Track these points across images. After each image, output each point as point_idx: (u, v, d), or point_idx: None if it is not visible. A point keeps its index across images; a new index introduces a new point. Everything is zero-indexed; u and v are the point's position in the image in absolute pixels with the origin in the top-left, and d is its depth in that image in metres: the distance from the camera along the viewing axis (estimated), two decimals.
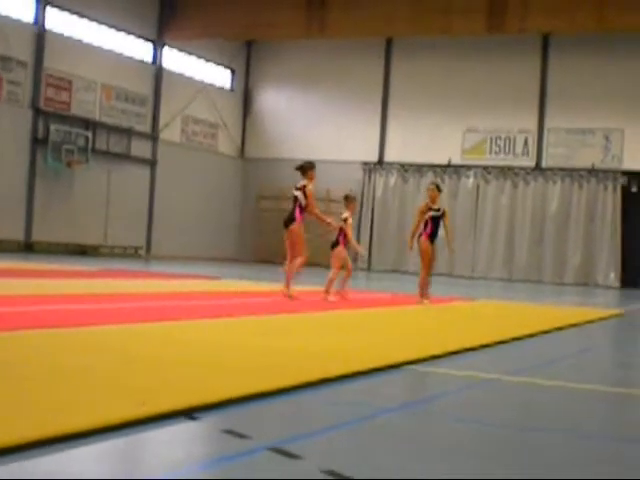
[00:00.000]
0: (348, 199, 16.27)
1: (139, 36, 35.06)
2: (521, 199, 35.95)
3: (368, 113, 38.32)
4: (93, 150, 32.21)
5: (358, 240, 37.96)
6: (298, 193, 14.86)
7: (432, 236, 15.48)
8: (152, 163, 35.64)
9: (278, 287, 15.95)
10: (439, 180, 34.43)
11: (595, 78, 34.88)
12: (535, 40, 35.48)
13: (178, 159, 36.81)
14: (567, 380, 7.33)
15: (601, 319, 14.66)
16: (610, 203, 34.76)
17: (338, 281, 15.29)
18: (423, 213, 15.48)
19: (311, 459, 4.07)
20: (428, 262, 15.56)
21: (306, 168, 15.09)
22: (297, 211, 14.68)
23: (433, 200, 15.62)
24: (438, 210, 15.53)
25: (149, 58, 35.70)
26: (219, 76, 39.74)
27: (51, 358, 6.35)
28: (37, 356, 6.44)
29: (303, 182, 14.95)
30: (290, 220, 14.74)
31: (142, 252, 35.17)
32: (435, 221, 15.48)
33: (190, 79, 37.78)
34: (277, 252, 39.47)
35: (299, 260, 14.79)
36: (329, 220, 15.76)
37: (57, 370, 5.82)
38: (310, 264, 19.01)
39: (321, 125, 39.03)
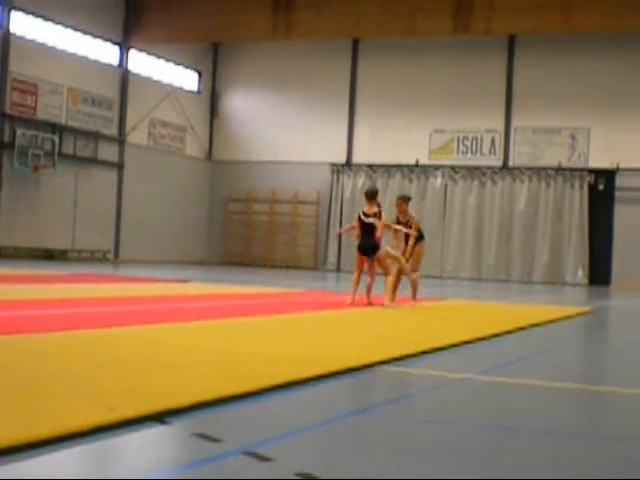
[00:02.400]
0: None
1: (105, 39, 34.91)
2: (489, 198, 36.12)
3: (335, 114, 38.37)
4: (60, 154, 32.03)
5: (327, 241, 38.04)
6: (372, 220, 14.60)
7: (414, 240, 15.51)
8: (119, 166, 35.50)
9: (249, 290, 15.92)
10: (406, 184, 34.52)
11: (561, 78, 35.12)
12: (501, 40, 35.66)
13: (145, 162, 36.70)
14: (536, 378, 7.37)
15: (570, 317, 14.75)
16: (577, 201, 35.00)
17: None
18: (387, 227, 15.33)
19: (284, 462, 4.08)
20: (412, 263, 15.63)
21: (375, 193, 14.92)
22: (376, 237, 14.53)
23: (403, 213, 15.52)
24: (406, 223, 15.44)
25: (115, 61, 35.56)
26: (186, 79, 39.65)
27: (20, 364, 6.32)
28: (5, 362, 6.40)
29: (372, 207, 14.69)
30: (374, 248, 14.58)
31: (110, 256, 35.02)
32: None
33: (157, 82, 37.67)
34: (245, 255, 39.51)
35: (391, 277, 14.71)
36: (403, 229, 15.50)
37: (26, 376, 5.79)
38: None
39: (289, 127, 39.03)
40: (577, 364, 9.21)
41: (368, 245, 14.60)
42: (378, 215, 14.68)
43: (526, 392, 6.72)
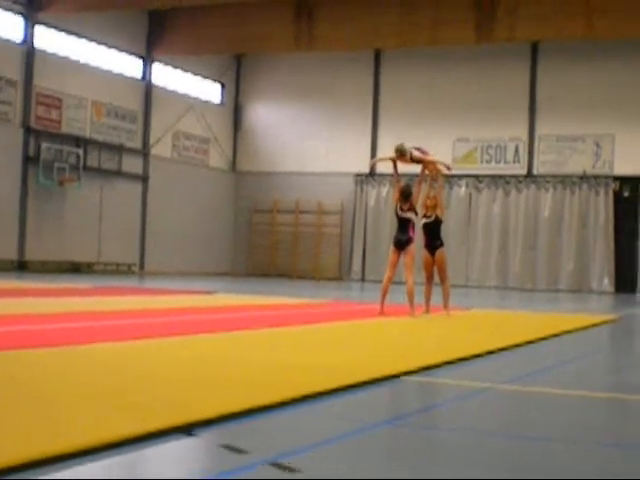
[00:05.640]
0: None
1: (128, 53, 35.10)
2: (513, 207, 36.03)
3: (359, 125, 38.40)
4: (84, 167, 32.22)
5: (351, 251, 38.01)
6: (408, 215, 14.90)
7: (426, 245, 15.53)
8: (144, 179, 35.66)
9: (275, 300, 15.88)
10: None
11: (584, 85, 35.01)
12: (524, 48, 35.60)
13: (170, 174, 36.84)
14: (562, 387, 7.33)
15: (596, 325, 14.67)
16: (602, 208, 34.86)
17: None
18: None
19: (310, 473, 4.08)
20: (427, 272, 15.63)
21: (410, 194, 15.03)
22: (411, 231, 14.90)
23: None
24: (430, 217, 15.57)
25: (139, 74, 35.74)
26: (209, 91, 39.79)
27: (48, 377, 6.35)
28: (34, 375, 6.43)
29: (406, 204, 14.88)
30: (407, 241, 14.87)
31: (135, 269, 35.15)
32: (427, 229, 15.54)
33: (180, 94, 37.83)
34: (270, 265, 39.54)
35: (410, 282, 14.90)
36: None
37: (55, 389, 5.82)
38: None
39: (312, 137, 39.10)
40: (603, 373, 9.16)
41: (402, 240, 14.90)
42: (413, 209, 14.94)
43: (551, 401, 6.69)
